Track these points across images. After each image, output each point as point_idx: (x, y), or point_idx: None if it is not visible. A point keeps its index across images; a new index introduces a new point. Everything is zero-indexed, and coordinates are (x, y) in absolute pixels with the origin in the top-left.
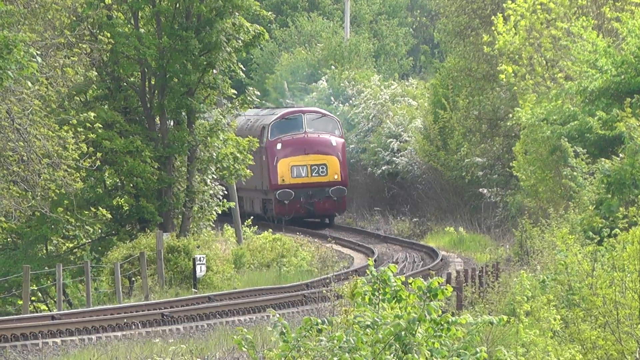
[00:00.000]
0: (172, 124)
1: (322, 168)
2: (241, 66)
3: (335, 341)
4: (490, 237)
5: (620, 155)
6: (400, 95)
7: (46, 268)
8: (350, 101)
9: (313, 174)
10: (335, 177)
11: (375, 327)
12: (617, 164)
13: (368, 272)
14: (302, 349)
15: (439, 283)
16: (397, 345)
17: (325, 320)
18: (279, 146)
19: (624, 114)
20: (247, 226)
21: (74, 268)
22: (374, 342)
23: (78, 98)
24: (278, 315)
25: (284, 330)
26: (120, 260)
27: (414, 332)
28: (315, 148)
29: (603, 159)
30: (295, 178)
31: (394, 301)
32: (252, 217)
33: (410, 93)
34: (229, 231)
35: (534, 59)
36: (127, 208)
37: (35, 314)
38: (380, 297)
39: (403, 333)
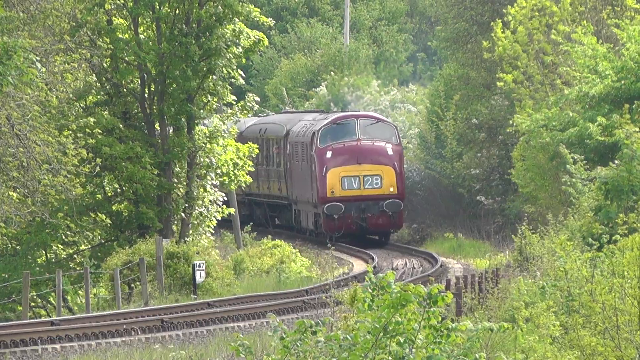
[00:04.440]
0: (171, 130)
1: (376, 179)
2: (241, 72)
3: (333, 341)
4: (489, 243)
5: (616, 161)
6: (400, 101)
7: (46, 274)
8: (350, 107)
9: (366, 186)
10: (391, 189)
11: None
12: (614, 171)
13: (367, 279)
14: (300, 354)
15: (439, 290)
16: (389, 342)
17: (319, 322)
18: (328, 154)
19: (623, 120)
20: (246, 232)
21: (73, 274)
22: (370, 333)
23: (78, 104)
24: (278, 320)
25: (284, 335)
26: (119, 266)
27: (402, 324)
28: (369, 157)
29: (600, 166)
30: (346, 190)
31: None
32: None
33: (410, 99)
34: (229, 237)
35: (532, 65)
36: (126, 214)
37: (35, 320)
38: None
39: (389, 323)
